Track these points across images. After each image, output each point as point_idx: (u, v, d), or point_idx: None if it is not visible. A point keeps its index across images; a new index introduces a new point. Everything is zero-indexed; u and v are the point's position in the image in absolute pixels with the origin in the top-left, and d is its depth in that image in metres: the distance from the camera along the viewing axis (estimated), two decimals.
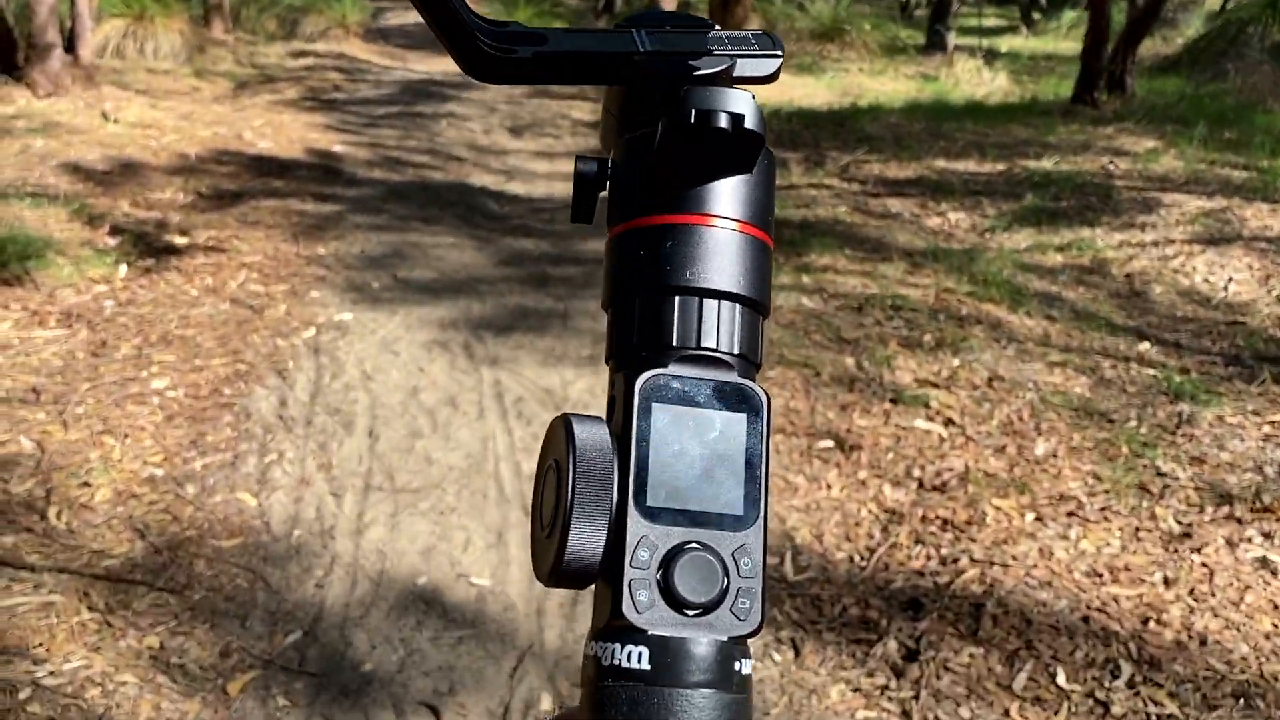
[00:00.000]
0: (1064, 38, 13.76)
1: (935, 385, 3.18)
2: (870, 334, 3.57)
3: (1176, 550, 2.38)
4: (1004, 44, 12.90)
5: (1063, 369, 3.36)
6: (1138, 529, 2.46)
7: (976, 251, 4.79)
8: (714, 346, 0.51)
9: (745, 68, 0.60)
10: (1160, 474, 2.72)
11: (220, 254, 4.31)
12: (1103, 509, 2.55)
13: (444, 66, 10.55)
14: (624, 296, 0.53)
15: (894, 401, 3.07)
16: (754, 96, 0.54)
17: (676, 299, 0.52)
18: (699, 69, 0.58)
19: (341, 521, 2.44)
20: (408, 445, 2.80)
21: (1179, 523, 2.50)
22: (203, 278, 4.02)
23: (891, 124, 7.71)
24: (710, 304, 0.52)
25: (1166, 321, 3.99)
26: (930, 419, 2.97)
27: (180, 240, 4.45)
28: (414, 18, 16.40)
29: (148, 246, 4.32)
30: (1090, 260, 4.72)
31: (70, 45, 7.01)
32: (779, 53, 0.61)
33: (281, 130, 6.85)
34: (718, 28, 0.61)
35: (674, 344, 0.51)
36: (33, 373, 3.12)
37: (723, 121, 0.51)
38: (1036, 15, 14.70)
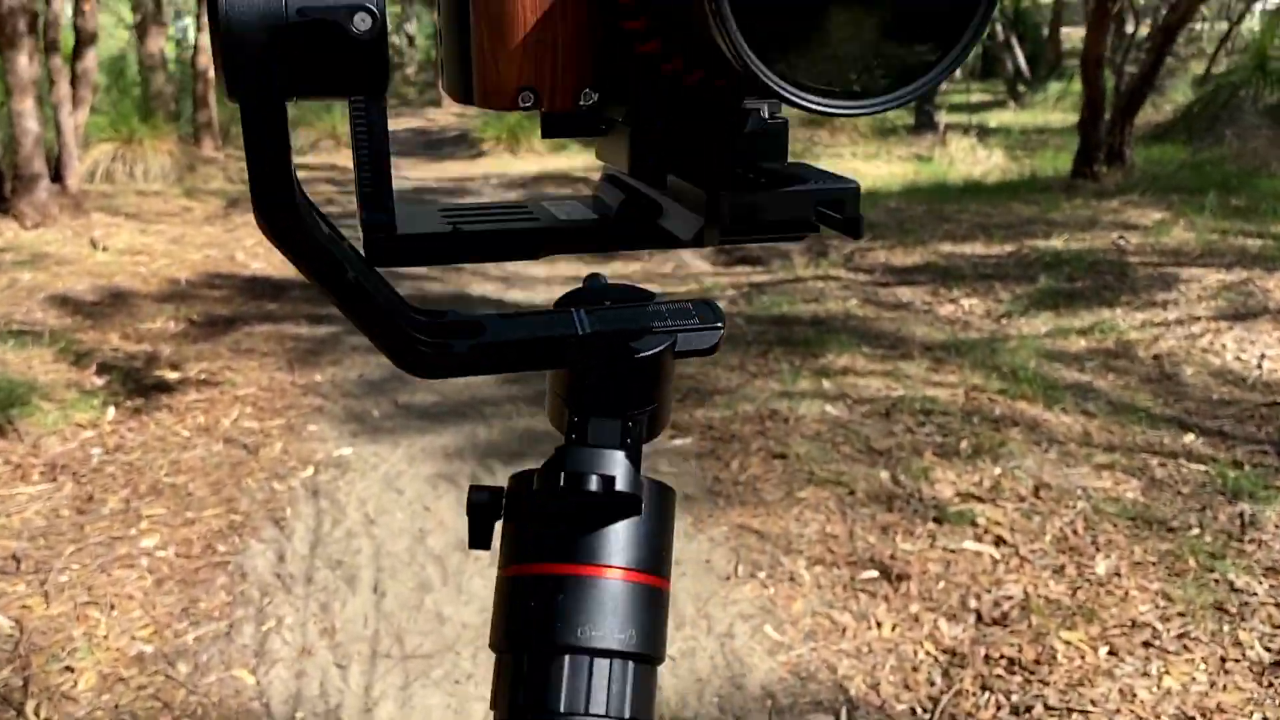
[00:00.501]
0: (1052, 109, 13.77)
1: (979, 499, 2.97)
2: (902, 443, 3.38)
3: (1271, 684, 2.16)
4: (993, 119, 12.90)
5: (1110, 471, 3.16)
6: (1223, 659, 2.24)
7: (997, 341, 4.61)
8: (603, 713, 0.50)
9: (686, 342, 0.62)
10: (1235, 590, 2.50)
11: (213, 388, 4.12)
12: (1180, 636, 2.33)
13: (436, 173, 10.49)
14: (514, 649, 0.53)
15: (938, 520, 2.86)
16: (628, 456, 0.55)
17: (566, 660, 0.51)
18: (639, 350, 0.59)
19: (348, 698, 2.22)
20: (416, 601, 2.59)
21: (1267, 649, 2.28)
22: (195, 416, 3.83)
23: (892, 209, 7.60)
24: (601, 665, 0.51)
25: (1205, 406, 3.79)
26: (979, 539, 2.76)
27: (171, 375, 4.27)
28: (405, 122, 16.43)
29: (137, 384, 4.14)
30: (1115, 343, 4.54)
31: (57, 174, 6.92)
32: (720, 324, 0.63)
33: (273, 249, 6.70)
34: (656, 299, 0.63)
35: (561, 710, 0.50)
36: (13, 536, 2.91)
37: (593, 485, 0.52)
38: (1022, 88, 14.73)
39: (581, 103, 0.54)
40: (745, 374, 4.11)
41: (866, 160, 9.80)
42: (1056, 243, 6.23)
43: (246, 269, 6.26)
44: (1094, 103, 7.54)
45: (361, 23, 0.46)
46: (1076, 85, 14.20)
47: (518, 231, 0.61)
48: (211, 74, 10.80)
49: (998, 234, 6.53)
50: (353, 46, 0.46)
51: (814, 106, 0.46)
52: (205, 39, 10.60)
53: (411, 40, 22.59)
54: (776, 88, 0.45)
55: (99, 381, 4.15)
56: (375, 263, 0.58)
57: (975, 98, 15.46)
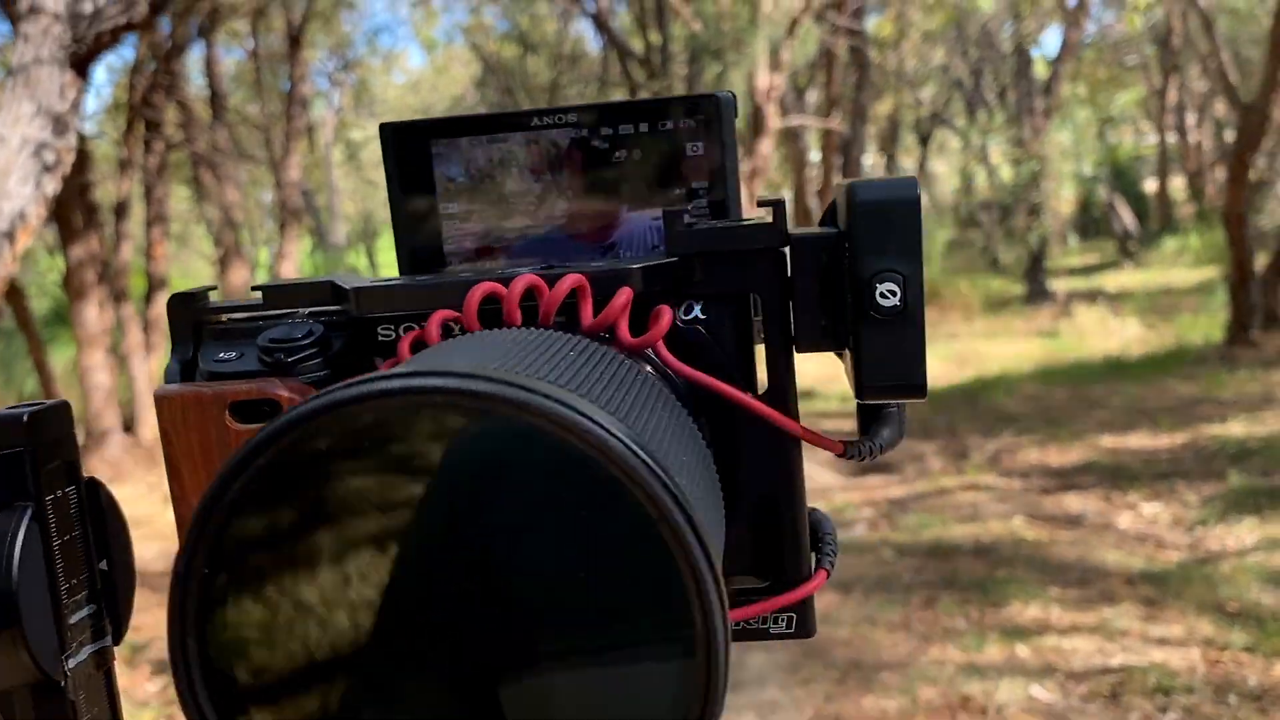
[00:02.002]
0: (1171, 267, 13.02)
1: None
2: None
3: None
4: (1109, 282, 12.17)
5: None
6: None
7: (1206, 565, 3.82)
8: None
9: None
10: None
11: None
12: None
13: None
14: None
15: None
16: None
17: None
18: None
19: None
20: None
21: None
22: None
23: (1030, 395, 6.87)
24: None
25: None
26: None
27: None
28: None
29: None
30: None
31: (129, 424, 6.56)
32: None
33: None
34: None
35: None
36: None
37: None
38: (1132, 247, 14.04)
39: None
40: (914, 637, 3.38)
41: (988, 339, 9.12)
42: (1236, 428, 5.44)
43: None
44: (1242, 263, 6.83)
45: None
46: (1194, 240, 13.48)
47: None
48: None
49: (1163, 421, 5.76)
50: None
51: None
52: (285, 267, 10.47)
53: None
54: None
55: (152, 688, 3.57)
56: None
57: (1079, 260, 14.79)
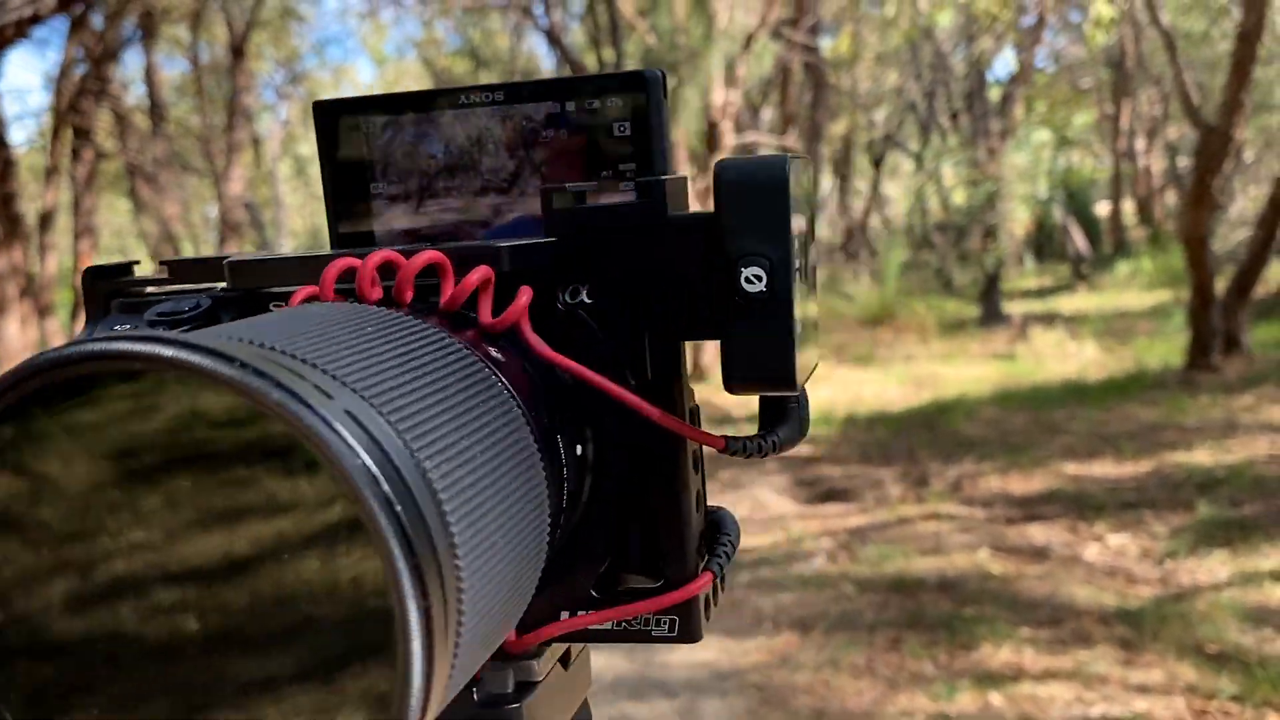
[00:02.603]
0: (1125, 289, 13.00)
1: None
2: None
3: None
4: (1063, 305, 12.10)
5: None
6: None
7: (1180, 602, 3.65)
8: None
9: None
10: None
11: None
12: None
13: None
14: None
15: None
16: None
17: None
18: None
19: None
20: None
21: None
22: None
23: (989, 419, 6.71)
24: None
25: None
26: None
27: None
28: None
29: None
30: None
31: None
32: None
33: None
34: None
35: None
36: None
37: None
38: (1085, 269, 14.03)
39: None
40: (880, 682, 3.16)
41: (944, 362, 8.97)
42: (1202, 456, 5.29)
43: None
44: (1204, 286, 6.72)
45: None
46: (1147, 264, 13.48)
47: None
48: None
49: (1126, 447, 5.60)
50: None
51: None
52: None
53: None
54: None
55: None
56: None
57: (1033, 282, 14.75)
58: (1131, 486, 5.04)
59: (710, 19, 7.76)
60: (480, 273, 0.46)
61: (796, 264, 0.46)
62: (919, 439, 6.43)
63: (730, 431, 0.52)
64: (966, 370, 8.59)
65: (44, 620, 0.32)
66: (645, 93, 0.53)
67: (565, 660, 0.56)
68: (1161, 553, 4.25)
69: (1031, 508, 4.95)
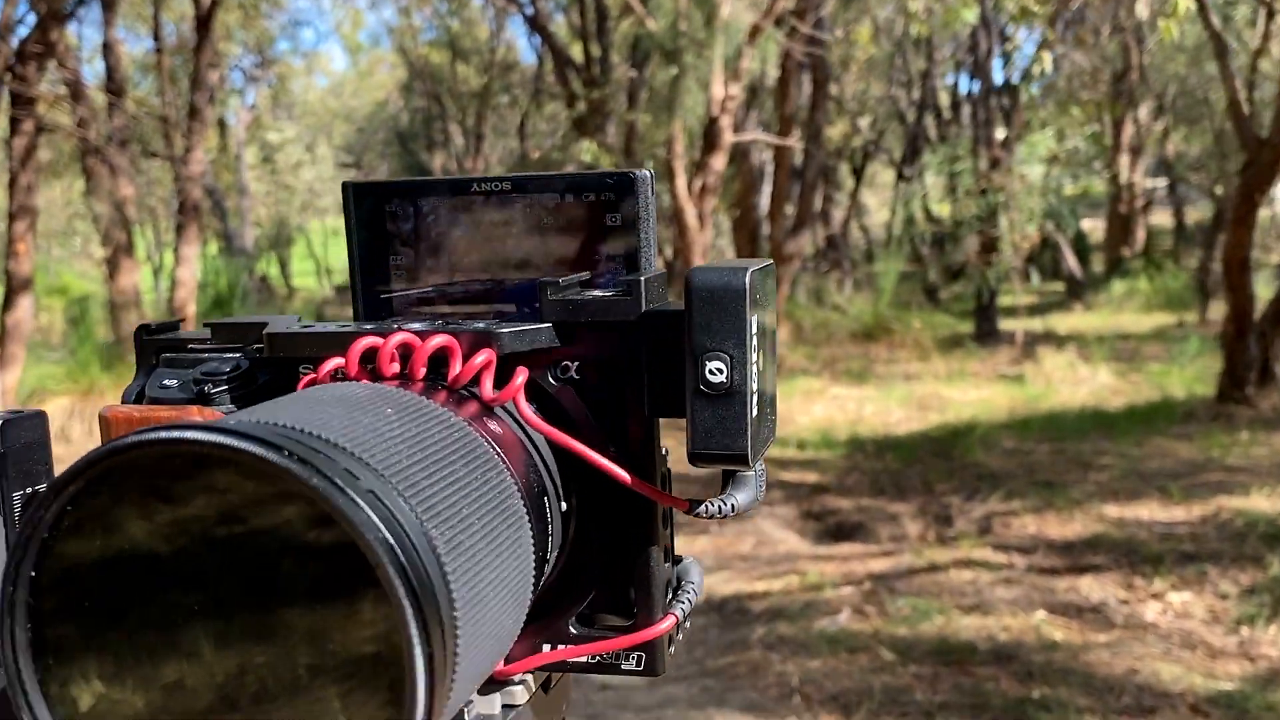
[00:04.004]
0: (1120, 310, 12.56)
1: None
2: None
3: None
4: (1059, 324, 11.63)
5: None
6: None
7: (1272, 683, 3.11)
8: None
9: None
10: None
11: None
12: None
13: None
14: None
15: None
16: None
17: None
18: None
19: None
20: None
21: None
22: None
23: (1009, 450, 6.18)
24: None
25: None
26: None
27: None
28: None
29: None
30: None
31: None
32: None
33: None
34: None
35: None
36: None
37: None
38: (1077, 288, 13.57)
39: None
40: None
41: (949, 383, 8.44)
42: (1261, 502, 4.78)
43: None
44: (1241, 312, 6.22)
45: None
46: (1144, 284, 13.05)
47: None
48: (191, 310, 9.62)
49: (1173, 489, 5.08)
50: None
51: None
52: (182, 272, 9.46)
53: None
54: None
55: None
56: None
57: (1023, 299, 14.27)
58: (1186, 535, 4.51)
59: (714, 7, 7.20)
60: (484, 355, 0.54)
61: (754, 358, 0.53)
62: (934, 469, 5.88)
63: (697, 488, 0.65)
64: (973, 392, 8.07)
65: (109, 654, 0.41)
66: (634, 190, 0.60)
67: (546, 686, 0.62)
68: (1234, 617, 3.73)
69: (1076, 556, 4.41)
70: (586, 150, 9.55)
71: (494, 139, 18.75)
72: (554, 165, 14.69)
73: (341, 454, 0.39)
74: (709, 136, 7.55)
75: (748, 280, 0.52)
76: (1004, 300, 13.87)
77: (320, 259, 24.98)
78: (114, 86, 10.12)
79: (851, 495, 5.58)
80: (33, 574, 0.41)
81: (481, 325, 0.55)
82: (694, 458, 0.53)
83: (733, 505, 0.56)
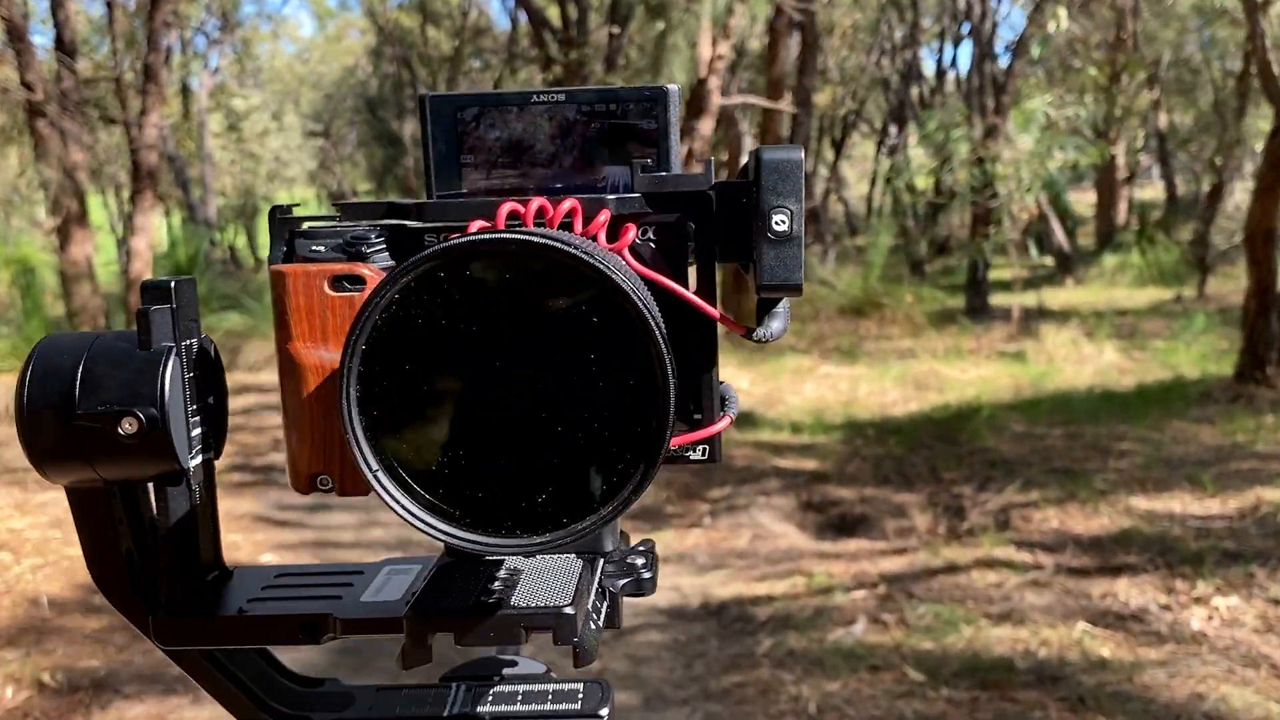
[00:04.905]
0: (1112, 285, 12.21)
1: None
2: None
3: None
4: (1051, 299, 11.25)
5: None
6: None
7: None
8: None
9: None
10: None
11: None
12: None
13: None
14: None
15: None
16: None
17: None
18: None
19: None
20: None
21: None
22: None
23: (1019, 434, 5.79)
24: None
25: None
26: None
27: None
28: None
29: None
30: None
31: None
32: (604, 711, 0.73)
33: None
34: (547, 670, 0.79)
35: None
36: None
37: None
38: (1068, 263, 13.20)
39: None
40: None
41: (946, 360, 8.04)
42: None
43: None
44: (1264, 287, 5.84)
45: (129, 426, 0.63)
46: (1135, 257, 12.70)
47: (304, 617, 0.69)
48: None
49: (1202, 477, 4.70)
50: (124, 447, 0.64)
51: (455, 540, 0.58)
52: (137, 242, 8.94)
53: None
54: (402, 512, 0.58)
55: None
56: (166, 643, 0.69)
57: (1010, 273, 13.88)
58: (1224, 531, 4.14)
59: None
60: (604, 214, 0.67)
61: (803, 214, 0.66)
62: (940, 455, 5.49)
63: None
64: (972, 370, 7.68)
65: (439, 390, 0.58)
66: (665, 101, 0.72)
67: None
68: None
69: (1107, 555, 4.03)
70: None
71: None
72: None
73: (598, 254, 0.58)
74: (696, 99, 7.10)
75: (801, 155, 0.66)
76: (993, 274, 13.52)
77: None
78: (64, 46, 9.56)
79: (853, 484, 5.18)
80: (364, 346, 0.57)
81: (594, 195, 0.68)
82: (761, 288, 0.66)
83: (771, 333, 0.67)
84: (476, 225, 0.63)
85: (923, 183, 14.00)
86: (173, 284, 0.67)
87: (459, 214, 0.68)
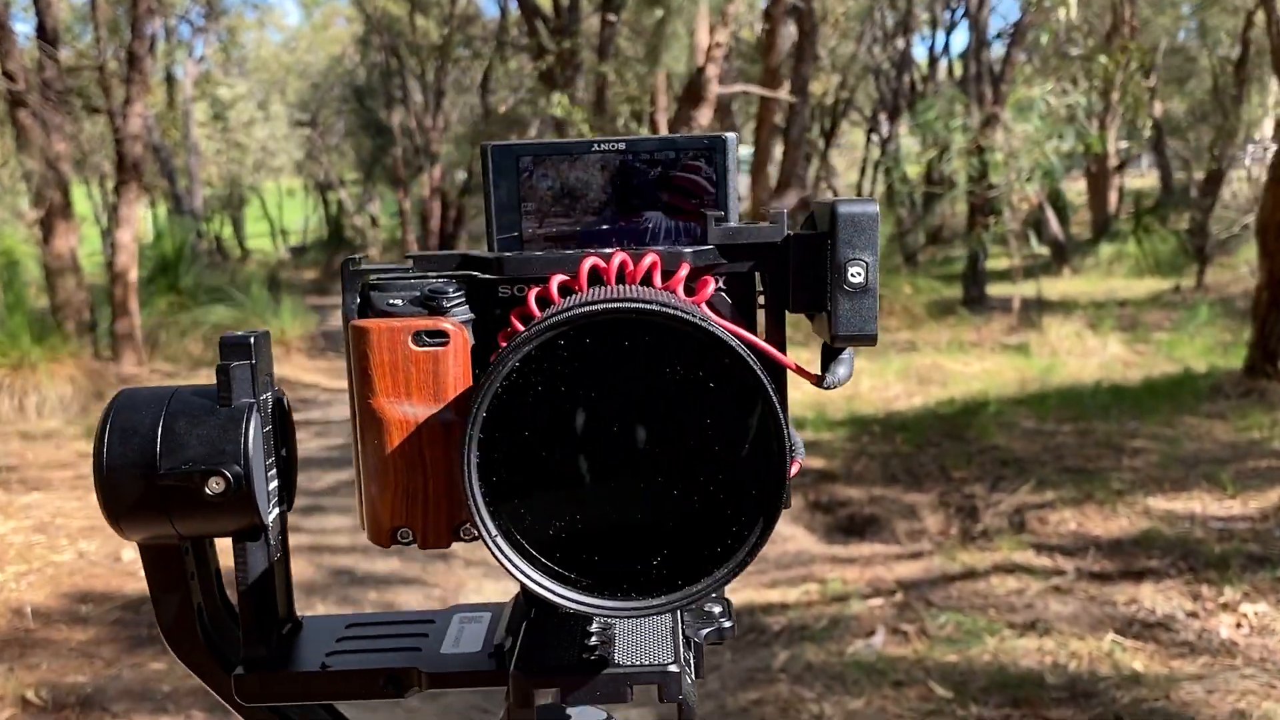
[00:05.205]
0: (1109, 275, 12.11)
1: None
2: None
3: None
4: (1050, 290, 11.14)
5: None
6: None
7: None
8: None
9: None
10: None
11: None
12: None
13: None
14: None
15: None
16: None
17: None
18: None
19: None
20: None
21: None
22: None
23: (1028, 430, 5.67)
24: None
25: None
26: None
27: None
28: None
29: None
30: None
31: None
32: None
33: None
34: (608, 717, 0.81)
35: None
36: None
37: None
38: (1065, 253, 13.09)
39: (462, 537, 0.65)
40: None
41: (948, 353, 7.92)
42: None
43: (135, 577, 4.19)
44: (1276, 281, 5.72)
45: (216, 485, 0.64)
46: (1131, 247, 12.60)
47: (390, 671, 0.70)
48: (133, 276, 8.91)
49: (1221, 476, 4.59)
50: (208, 505, 0.65)
51: (573, 604, 0.58)
52: (122, 234, 8.76)
53: (375, 220, 20.98)
54: (521, 577, 0.58)
55: None
56: (247, 700, 0.70)
57: (1004, 263, 13.78)
58: (1248, 533, 4.02)
59: None
60: (685, 268, 0.68)
61: (878, 265, 0.68)
62: (949, 453, 5.37)
63: None
64: (976, 364, 7.56)
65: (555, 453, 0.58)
66: (724, 150, 0.73)
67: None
68: None
69: (1128, 559, 3.91)
70: (557, 104, 8.91)
71: (455, 95, 17.98)
72: (520, 121, 14.01)
73: (702, 318, 0.58)
74: (694, 88, 6.94)
75: (877, 208, 0.67)
76: (988, 264, 13.41)
77: (275, 220, 24.12)
78: (46, 35, 9.35)
79: (861, 484, 5.06)
80: (484, 415, 0.56)
81: (669, 247, 0.70)
82: (836, 339, 0.68)
83: (838, 380, 0.70)
84: (557, 280, 0.66)
85: (914, 172, 13.87)
86: (252, 339, 0.69)
87: (538, 268, 0.70)
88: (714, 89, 7.01)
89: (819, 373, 0.71)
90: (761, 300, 0.72)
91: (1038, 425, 5.72)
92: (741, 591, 3.86)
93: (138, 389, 0.68)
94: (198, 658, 0.70)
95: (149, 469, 0.64)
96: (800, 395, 6.96)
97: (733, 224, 0.70)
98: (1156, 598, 3.55)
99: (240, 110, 20.80)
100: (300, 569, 4.27)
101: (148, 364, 8.96)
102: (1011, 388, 6.69)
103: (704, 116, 7.03)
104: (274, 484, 0.70)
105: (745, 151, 14.11)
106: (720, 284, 0.70)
